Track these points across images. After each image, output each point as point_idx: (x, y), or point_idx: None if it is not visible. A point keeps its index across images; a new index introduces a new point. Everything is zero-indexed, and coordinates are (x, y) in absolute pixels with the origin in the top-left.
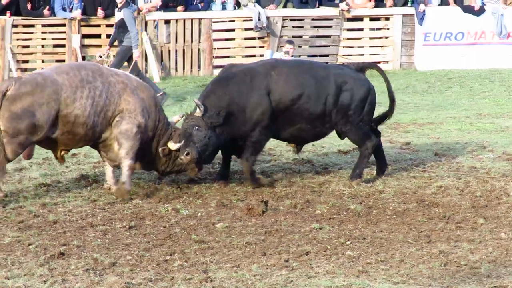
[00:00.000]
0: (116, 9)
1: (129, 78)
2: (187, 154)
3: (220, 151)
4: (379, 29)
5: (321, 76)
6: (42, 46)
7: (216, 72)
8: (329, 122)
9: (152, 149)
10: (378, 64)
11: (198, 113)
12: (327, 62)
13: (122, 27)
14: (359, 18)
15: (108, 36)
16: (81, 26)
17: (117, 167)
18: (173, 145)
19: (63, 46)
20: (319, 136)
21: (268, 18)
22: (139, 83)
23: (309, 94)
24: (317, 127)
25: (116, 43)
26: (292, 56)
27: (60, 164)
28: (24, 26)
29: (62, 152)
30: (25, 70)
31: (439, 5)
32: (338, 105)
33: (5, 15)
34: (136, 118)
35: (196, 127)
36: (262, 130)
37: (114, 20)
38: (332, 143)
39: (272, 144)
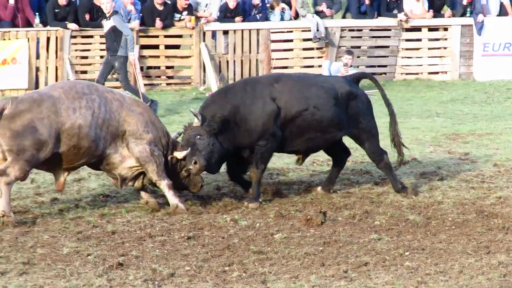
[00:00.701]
0: (104, 20)
1: (122, 95)
2: (195, 162)
3: (228, 172)
4: (437, 39)
5: (326, 87)
6: (101, 57)
7: None
8: (340, 128)
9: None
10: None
11: (196, 122)
12: (385, 73)
13: (115, 35)
14: (418, 29)
15: (166, 47)
16: (139, 36)
17: (120, 186)
18: (179, 154)
19: None
20: (329, 142)
21: (326, 28)
22: (131, 99)
23: (316, 104)
24: (328, 133)
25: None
26: (350, 66)
27: (59, 192)
28: (83, 37)
29: (66, 174)
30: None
31: (497, 15)
32: (348, 113)
33: (65, 26)
34: (141, 136)
35: (198, 136)
36: (270, 138)
37: (173, 31)
38: (391, 153)
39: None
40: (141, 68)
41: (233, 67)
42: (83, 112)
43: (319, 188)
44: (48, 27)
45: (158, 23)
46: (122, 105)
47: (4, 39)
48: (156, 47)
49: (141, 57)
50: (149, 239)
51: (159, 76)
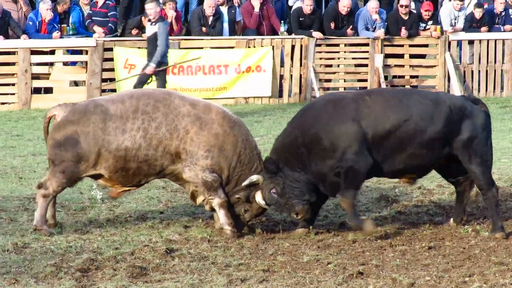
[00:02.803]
0: (149, 23)
1: (209, 109)
2: (296, 214)
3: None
4: None
5: (431, 99)
6: (344, 65)
7: None
8: (444, 144)
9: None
10: None
11: (260, 180)
12: None
13: (156, 41)
14: None
15: (411, 56)
16: (384, 45)
17: (191, 200)
18: (259, 199)
19: (366, 65)
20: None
21: None
22: (221, 116)
23: (419, 115)
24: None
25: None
26: None
27: (114, 197)
28: (327, 45)
29: (123, 189)
30: (327, 89)
31: None
32: (457, 131)
33: (310, 34)
34: (197, 163)
35: (273, 191)
36: (354, 157)
37: (418, 40)
38: None
39: None
40: (385, 77)
41: (477, 77)
42: (133, 134)
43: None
44: (293, 35)
45: (403, 32)
46: (194, 122)
47: (248, 47)
48: (401, 56)
49: (386, 66)
50: (390, 248)
51: (403, 86)
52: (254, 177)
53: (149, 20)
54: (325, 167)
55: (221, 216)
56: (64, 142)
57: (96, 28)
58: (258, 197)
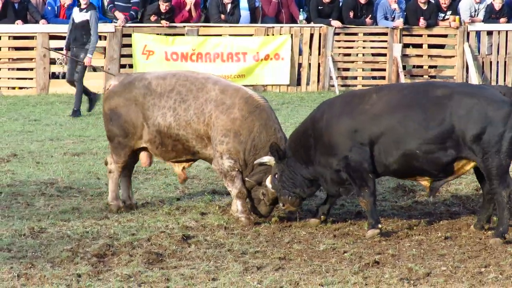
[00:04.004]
0: (77, 9)
1: (236, 94)
2: (283, 204)
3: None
4: None
5: (440, 94)
6: (363, 54)
7: None
8: (452, 147)
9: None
10: None
11: (271, 162)
12: None
13: (85, 28)
14: None
15: (429, 46)
16: (403, 35)
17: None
18: (267, 182)
19: (384, 55)
20: (440, 165)
21: None
22: (244, 99)
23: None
24: (433, 152)
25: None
26: None
27: (180, 183)
28: (346, 34)
29: (182, 166)
30: (346, 78)
31: None
32: (464, 128)
33: (329, 23)
34: (216, 149)
35: (276, 175)
36: (350, 154)
37: (436, 30)
38: None
39: None
40: (404, 67)
41: (496, 68)
42: (164, 112)
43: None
44: (312, 24)
45: (422, 22)
46: (218, 107)
47: (267, 35)
48: (419, 46)
49: (404, 56)
50: (406, 238)
51: (421, 75)
52: (266, 158)
53: (79, 6)
54: (325, 162)
55: (238, 206)
56: (110, 115)
57: (117, 14)
58: (267, 180)
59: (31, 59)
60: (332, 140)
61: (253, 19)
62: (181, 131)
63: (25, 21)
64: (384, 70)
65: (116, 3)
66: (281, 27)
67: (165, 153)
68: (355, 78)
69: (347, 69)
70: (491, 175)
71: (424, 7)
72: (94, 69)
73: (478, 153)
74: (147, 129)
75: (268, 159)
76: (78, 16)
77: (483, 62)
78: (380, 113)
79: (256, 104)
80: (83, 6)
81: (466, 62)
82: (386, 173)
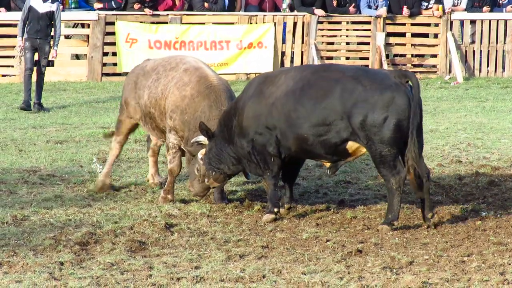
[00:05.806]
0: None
1: (194, 73)
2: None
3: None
4: None
5: (332, 78)
6: (347, 43)
7: None
8: (342, 131)
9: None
10: None
11: (205, 142)
12: None
13: (50, 19)
14: None
15: (413, 35)
16: (386, 24)
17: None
18: (199, 158)
19: (368, 44)
20: (331, 148)
21: None
22: (203, 78)
23: (307, 96)
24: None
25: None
26: None
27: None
28: (329, 23)
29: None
30: None
31: None
32: (349, 113)
33: (312, 11)
34: (168, 122)
35: (200, 157)
36: (255, 136)
37: (420, 19)
38: None
39: None
40: (387, 56)
41: (479, 57)
42: (146, 91)
43: None
44: (295, 12)
45: (405, 11)
46: (176, 84)
47: (250, 23)
48: (402, 35)
49: (388, 44)
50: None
51: (404, 64)
52: (201, 137)
53: None
54: (239, 143)
55: (167, 183)
56: (124, 93)
57: (96, 4)
58: (199, 157)
59: (13, 46)
60: (243, 122)
61: (232, 7)
62: (151, 108)
63: (8, 9)
64: (367, 59)
65: None
66: (264, 15)
67: (151, 131)
68: None
69: (330, 58)
70: (376, 162)
71: None
72: (78, 56)
73: (363, 139)
74: (137, 108)
75: (203, 139)
76: (42, 6)
77: (466, 51)
78: (279, 97)
79: (207, 85)
80: None
81: (449, 51)
82: (291, 156)
